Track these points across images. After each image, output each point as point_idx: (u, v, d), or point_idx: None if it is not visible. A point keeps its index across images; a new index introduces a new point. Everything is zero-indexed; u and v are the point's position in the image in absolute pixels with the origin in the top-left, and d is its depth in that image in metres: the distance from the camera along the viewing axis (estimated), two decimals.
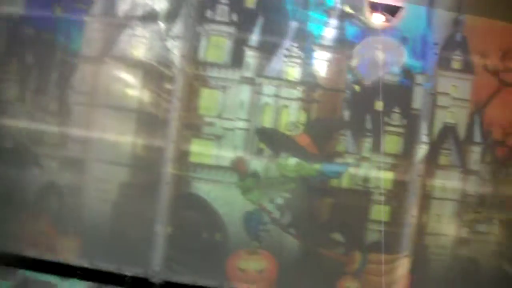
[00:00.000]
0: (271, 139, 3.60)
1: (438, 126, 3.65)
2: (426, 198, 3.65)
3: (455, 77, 3.65)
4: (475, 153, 3.67)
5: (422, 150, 3.63)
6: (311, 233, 3.62)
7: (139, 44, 3.63)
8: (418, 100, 3.63)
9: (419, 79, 3.63)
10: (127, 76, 3.62)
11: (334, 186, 3.61)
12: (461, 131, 3.66)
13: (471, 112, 3.65)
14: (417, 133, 3.63)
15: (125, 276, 3.58)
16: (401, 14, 3.59)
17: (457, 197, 3.66)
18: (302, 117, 3.59)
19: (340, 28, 3.60)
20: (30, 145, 3.66)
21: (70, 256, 3.63)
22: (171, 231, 3.60)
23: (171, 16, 3.60)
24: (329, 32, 3.61)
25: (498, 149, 3.65)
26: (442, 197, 3.65)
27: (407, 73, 3.62)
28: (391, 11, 3.58)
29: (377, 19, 3.58)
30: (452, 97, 3.65)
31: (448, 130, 3.66)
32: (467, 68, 3.64)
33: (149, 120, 3.61)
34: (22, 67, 3.68)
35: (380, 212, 3.62)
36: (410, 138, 3.63)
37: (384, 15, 3.58)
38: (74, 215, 3.64)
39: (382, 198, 3.61)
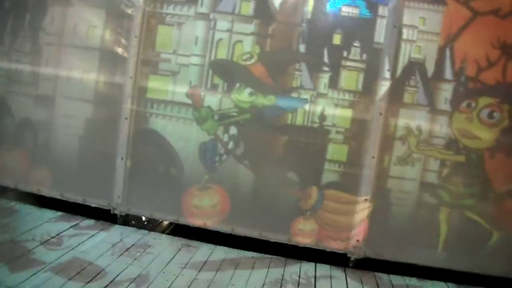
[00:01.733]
0: (224, 69, 3.56)
1: (403, 61, 3.41)
2: (389, 139, 3.45)
3: (423, 8, 3.36)
4: (445, 91, 3.39)
5: (384, 87, 3.42)
6: (266, 168, 3.57)
7: None
8: (381, 33, 3.41)
9: (382, 11, 3.40)
10: (91, 16, 3.75)
11: (289, 123, 3.51)
12: (430, 67, 3.39)
13: (441, 46, 3.36)
14: (379, 69, 3.42)
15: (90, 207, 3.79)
16: None
17: (423, 139, 3.41)
18: (257, 50, 3.51)
19: None
20: (8, 84, 3.94)
21: (42, 187, 3.89)
22: (131, 165, 3.72)
23: None
24: None
25: (471, 85, 3.33)
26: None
27: (369, 4, 3.40)
28: None
29: None
30: (419, 30, 3.38)
31: (415, 66, 3.40)
32: None
33: (110, 58, 3.72)
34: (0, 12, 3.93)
35: (337, 151, 3.48)
36: (371, 74, 3.43)
37: None
38: (46, 150, 3.89)
39: (340, 136, 3.47)
